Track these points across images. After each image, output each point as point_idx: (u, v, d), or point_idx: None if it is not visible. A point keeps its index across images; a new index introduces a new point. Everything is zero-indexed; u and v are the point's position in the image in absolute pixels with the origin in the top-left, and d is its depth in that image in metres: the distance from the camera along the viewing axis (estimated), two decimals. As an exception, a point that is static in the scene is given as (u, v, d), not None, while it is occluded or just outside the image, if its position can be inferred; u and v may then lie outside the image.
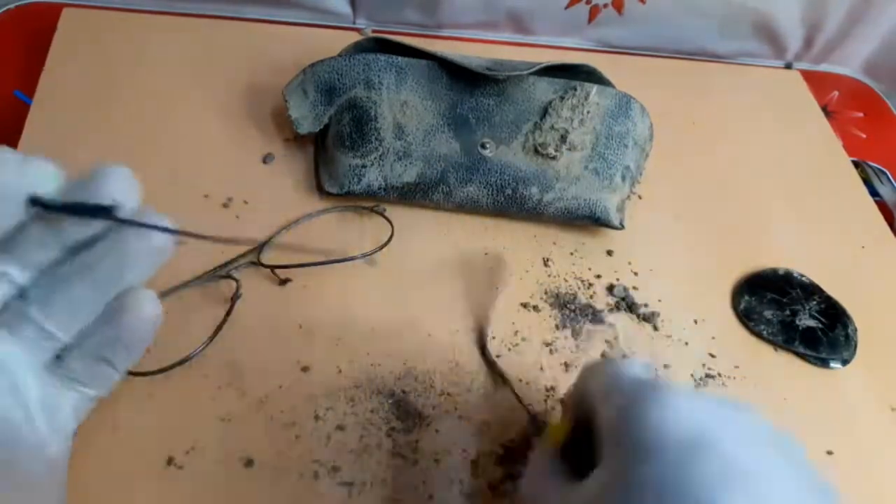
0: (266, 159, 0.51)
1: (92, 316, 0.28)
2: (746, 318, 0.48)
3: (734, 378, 0.45)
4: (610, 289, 0.48)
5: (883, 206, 0.59)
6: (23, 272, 0.26)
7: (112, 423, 0.37)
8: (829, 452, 0.43)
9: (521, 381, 0.43)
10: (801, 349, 0.47)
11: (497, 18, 0.66)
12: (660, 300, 0.48)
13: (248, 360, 0.41)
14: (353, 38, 0.53)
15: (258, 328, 0.42)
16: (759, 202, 0.56)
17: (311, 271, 0.44)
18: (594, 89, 0.50)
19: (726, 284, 0.50)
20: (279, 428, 0.39)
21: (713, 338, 0.47)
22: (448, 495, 0.38)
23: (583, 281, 0.48)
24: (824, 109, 0.66)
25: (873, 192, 0.59)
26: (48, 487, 0.26)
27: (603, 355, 0.45)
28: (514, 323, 0.45)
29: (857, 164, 0.61)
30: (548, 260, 0.49)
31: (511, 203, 0.49)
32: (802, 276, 0.51)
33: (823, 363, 0.47)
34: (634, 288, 0.48)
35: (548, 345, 0.45)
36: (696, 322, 0.48)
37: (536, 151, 0.49)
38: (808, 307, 0.49)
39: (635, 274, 0.49)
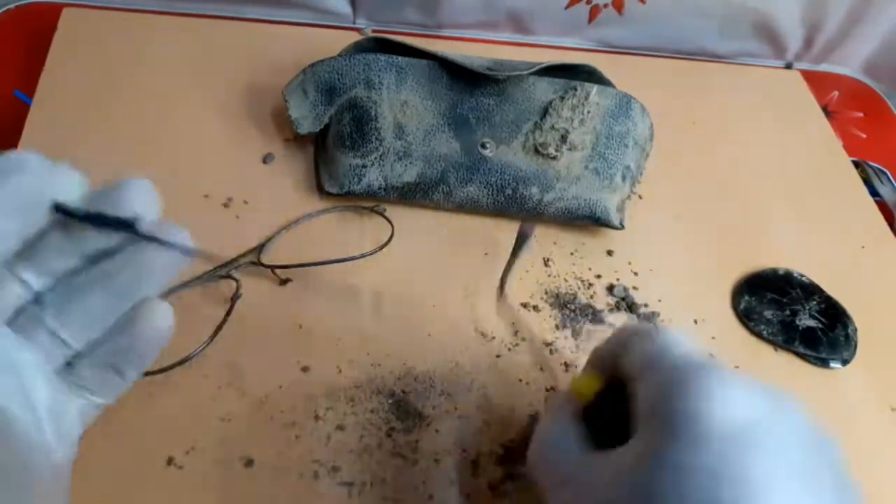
0: (266, 159, 0.51)
1: (106, 325, 0.28)
2: (746, 318, 0.48)
3: (734, 378, 0.45)
4: (610, 289, 0.48)
5: (883, 206, 0.59)
6: (40, 278, 0.26)
7: (112, 423, 0.37)
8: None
9: (520, 381, 0.43)
10: (801, 349, 0.47)
11: (497, 18, 0.66)
12: (660, 300, 0.48)
13: (248, 360, 0.41)
14: (353, 38, 0.53)
15: (258, 328, 0.42)
16: (759, 202, 0.56)
17: (311, 271, 0.44)
18: (594, 89, 0.50)
19: (726, 284, 0.50)
20: (279, 428, 0.39)
21: (713, 338, 0.47)
22: (448, 495, 0.38)
23: (583, 281, 0.48)
24: (824, 109, 0.66)
25: (873, 192, 0.59)
26: (53, 493, 0.26)
27: (643, 319, 0.44)
28: (514, 323, 0.45)
29: (857, 164, 0.61)
30: (548, 260, 0.49)
31: (511, 203, 0.49)
32: (802, 276, 0.51)
33: (823, 363, 0.47)
34: (634, 288, 0.48)
35: (548, 345, 0.45)
36: (696, 322, 0.48)
37: (537, 151, 0.49)
38: (808, 307, 0.49)
39: (635, 274, 0.49)
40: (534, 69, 0.49)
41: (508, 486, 0.38)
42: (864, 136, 0.67)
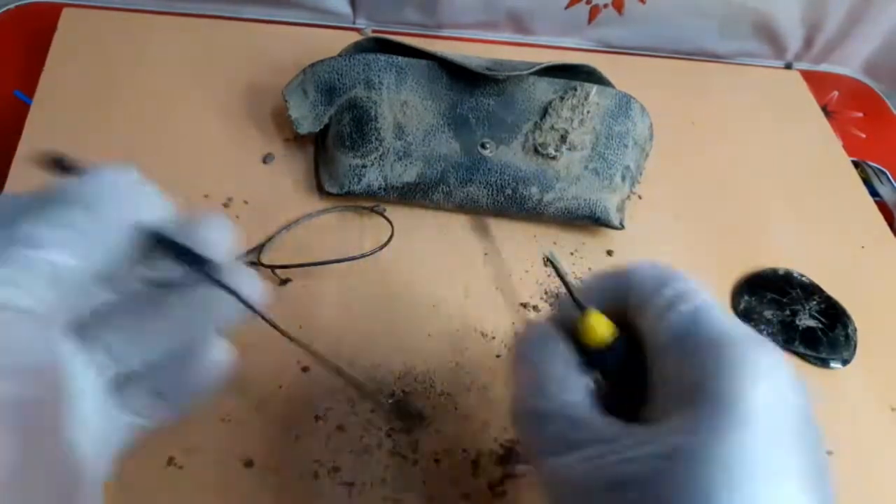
0: (266, 159, 0.51)
1: (160, 352, 0.27)
2: (746, 318, 0.48)
3: (734, 378, 0.45)
4: (610, 289, 0.48)
5: (883, 206, 0.59)
6: (106, 293, 0.26)
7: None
8: (829, 452, 0.43)
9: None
10: (801, 349, 0.47)
11: (497, 18, 0.66)
12: (660, 300, 0.48)
13: (248, 360, 0.41)
14: (353, 38, 0.53)
15: (258, 328, 0.42)
16: (759, 202, 0.56)
17: (311, 271, 0.44)
18: (594, 89, 0.50)
19: (726, 284, 0.50)
20: (279, 428, 0.39)
21: (713, 338, 0.47)
22: (448, 495, 0.38)
23: (583, 281, 0.48)
24: (824, 109, 0.66)
25: (873, 192, 0.59)
26: None
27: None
28: (514, 323, 0.45)
29: (857, 164, 0.61)
30: (548, 260, 0.49)
31: (511, 203, 0.49)
32: (802, 276, 0.51)
33: (823, 363, 0.47)
34: (634, 288, 0.48)
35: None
36: (696, 322, 0.48)
37: (536, 151, 0.49)
38: (808, 307, 0.49)
39: (635, 274, 0.49)
40: (534, 69, 0.49)
41: (508, 486, 0.38)
42: (864, 136, 0.67)
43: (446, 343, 0.44)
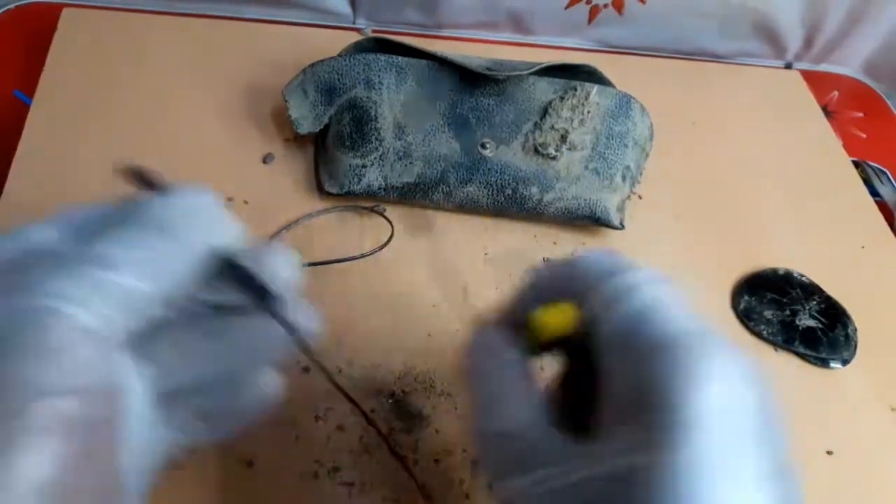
0: (266, 159, 0.51)
1: (213, 374, 0.28)
2: (746, 318, 0.48)
3: (734, 378, 0.45)
4: (610, 289, 0.48)
5: (883, 206, 0.59)
6: (169, 311, 0.26)
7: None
8: (829, 452, 0.43)
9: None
10: (801, 349, 0.47)
11: (497, 18, 0.66)
12: (660, 300, 0.48)
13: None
14: (353, 38, 0.53)
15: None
16: (759, 202, 0.56)
17: (311, 271, 0.44)
18: (594, 89, 0.50)
19: (726, 284, 0.50)
20: (279, 428, 0.38)
21: (713, 338, 0.47)
22: (448, 495, 0.38)
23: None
24: (824, 109, 0.66)
25: (873, 192, 0.59)
26: None
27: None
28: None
29: (857, 164, 0.61)
30: (548, 260, 0.49)
31: (511, 203, 0.49)
32: (802, 276, 0.51)
33: (823, 363, 0.47)
34: (634, 288, 0.48)
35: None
36: (696, 322, 0.48)
37: (536, 151, 0.49)
38: (808, 307, 0.49)
39: (635, 274, 0.49)
40: (534, 69, 0.49)
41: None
42: (864, 136, 0.67)
43: (446, 343, 0.44)
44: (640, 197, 0.54)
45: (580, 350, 0.25)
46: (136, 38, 0.56)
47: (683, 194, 0.55)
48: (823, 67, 0.73)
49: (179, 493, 0.36)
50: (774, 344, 0.47)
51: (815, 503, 0.41)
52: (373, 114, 0.48)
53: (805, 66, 0.72)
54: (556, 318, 0.25)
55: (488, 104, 0.49)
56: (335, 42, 0.52)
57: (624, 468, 0.21)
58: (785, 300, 0.49)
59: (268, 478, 0.37)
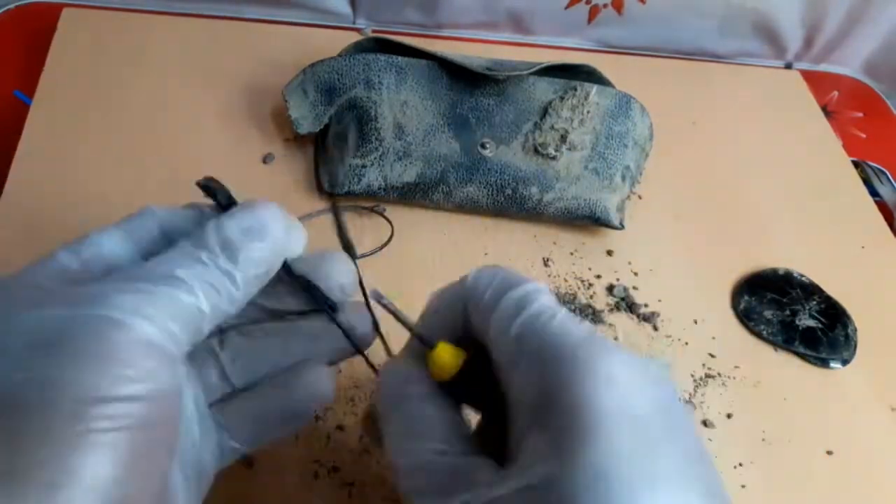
0: (266, 159, 0.51)
1: (267, 378, 0.29)
2: (746, 318, 0.48)
3: (734, 378, 0.45)
4: (610, 289, 0.48)
5: (883, 206, 0.59)
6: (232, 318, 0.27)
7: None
8: (829, 452, 0.43)
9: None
10: (801, 349, 0.47)
11: (497, 18, 0.66)
12: (660, 300, 0.48)
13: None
14: (353, 38, 0.53)
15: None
16: (759, 202, 0.56)
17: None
18: (594, 89, 0.50)
19: (726, 284, 0.50)
20: (279, 428, 0.38)
21: (713, 338, 0.47)
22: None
23: (583, 281, 0.48)
24: (824, 109, 0.66)
25: (873, 192, 0.59)
26: None
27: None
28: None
29: (857, 164, 0.61)
30: (548, 260, 0.49)
31: (511, 203, 0.49)
32: (802, 276, 0.51)
33: (823, 363, 0.47)
34: (634, 288, 0.48)
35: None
36: (696, 322, 0.48)
37: (536, 151, 0.49)
38: (808, 307, 0.49)
39: (635, 274, 0.49)
40: (534, 69, 0.49)
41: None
42: (864, 136, 0.67)
43: (446, 343, 0.44)
44: (640, 197, 0.54)
45: (486, 375, 0.26)
46: (136, 38, 0.56)
47: (683, 194, 0.55)
48: (823, 67, 0.73)
49: (179, 493, 0.36)
50: (774, 344, 0.47)
51: (815, 503, 0.41)
52: (373, 114, 0.48)
53: (805, 66, 0.72)
54: (446, 358, 0.26)
55: (488, 104, 0.49)
56: (335, 42, 0.52)
57: (536, 478, 0.21)
58: (785, 300, 0.49)
59: (268, 478, 0.37)
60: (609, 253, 0.50)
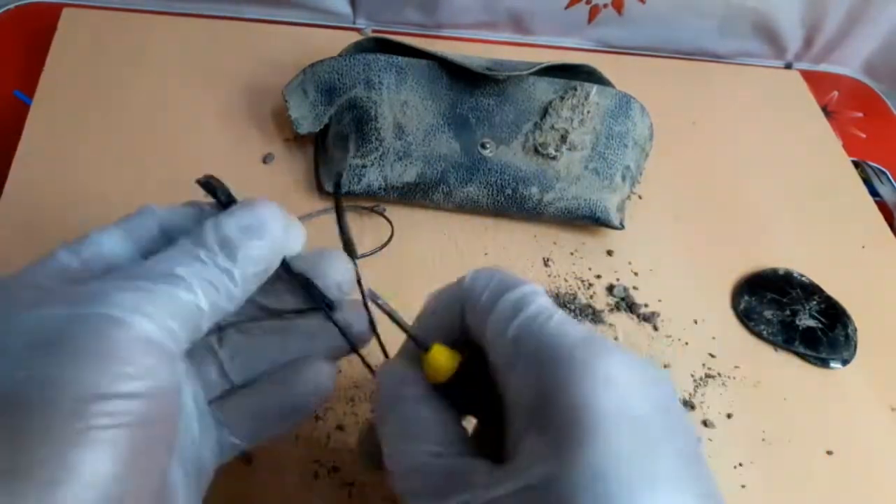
0: (266, 159, 0.51)
1: (266, 374, 0.29)
2: (746, 318, 0.48)
3: (734, 378, 0.45)
4: (610, 289, 0.48)
5: (883, 206, 0.59)
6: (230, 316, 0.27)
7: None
8: (829, 452, 0.43)
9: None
10: (801, 349, 0.47)
11: (497, 18, 0.66)
12: (660, 300, 0.48)
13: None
14: (353, 38, 0.53)
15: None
16: (759, 202, 0.56)
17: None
18: (594, 89, 0.50)
19: (726, 284, 0.50)
20: (279, 428, 0.39)
21: (713, 338, 0.47)
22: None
23: (583, 281, 0.48)
24: (824, 109, 0.66)
25: (873, 192, 0.59)
26: None
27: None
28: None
29: (857, 164, 0.61)
30: (548, 260, 0.49)
31: (511, 203, 0.49)
32: (802, 276, 0.51)
33: (823, 363, 0.47)
34: (634, 288, 0.48)
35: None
36: (696, 322, 0.48)
37: (536, 151, 0.49)
38: (808, 307, 0.49)
39: (635, 274, 0.49)
40: (534, 69, 0.49)
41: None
42: (864, 136, 0.67)
43: (446, 343, 0.44)
44: (640, 197, 0.54)
45: (484, 377, 0.26)
46: (136, 38, 0.56)
47: (683, 194, 0.55)
48: (823, 67, 0.73)
49: (179, 493, 0.36)
50: (774, 344, 0.47)
51: (815, 503, 0.41)
52: (373, 114, 0.48)
53: (805, 66, 0.72)
54: (442, 361, 0.26)
55: (488, 104, 0.49)
56: (335, 42, 0.52)
57: (535, 479, 0.21)
58: (785, 300, 0.49)
59: (268, 477, 0.37)
60: (609, 253, 0.50)
